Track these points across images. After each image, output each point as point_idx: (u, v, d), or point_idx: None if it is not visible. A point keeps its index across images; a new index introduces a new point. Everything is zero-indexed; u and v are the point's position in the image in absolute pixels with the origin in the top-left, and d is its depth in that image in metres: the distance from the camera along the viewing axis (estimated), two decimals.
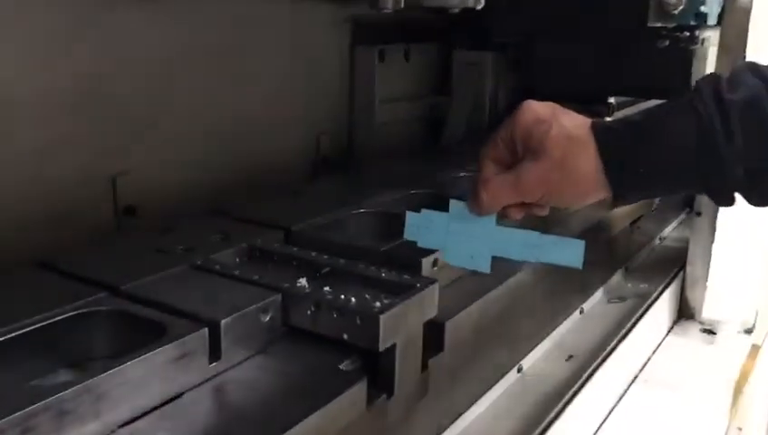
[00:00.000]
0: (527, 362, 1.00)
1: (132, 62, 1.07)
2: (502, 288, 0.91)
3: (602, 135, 0.66)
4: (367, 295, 0.72)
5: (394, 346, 0.70)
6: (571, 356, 1.04)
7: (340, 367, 0.69)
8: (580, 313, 1.17)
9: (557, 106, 0.69)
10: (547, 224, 1.10)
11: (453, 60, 1.64)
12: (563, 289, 1.13)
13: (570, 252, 0.69)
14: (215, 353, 0.65)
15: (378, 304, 0.70)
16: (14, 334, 0.62)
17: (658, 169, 0.65)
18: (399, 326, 0.70)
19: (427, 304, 0.74)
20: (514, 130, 0.69)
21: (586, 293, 1.21)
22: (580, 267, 0.70)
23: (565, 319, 1.12)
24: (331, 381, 0.67)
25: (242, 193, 1.18)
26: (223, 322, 0.65)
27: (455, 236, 0.73)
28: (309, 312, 0.71)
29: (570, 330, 1.12)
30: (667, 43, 1.39)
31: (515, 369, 0.98)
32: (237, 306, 0.68)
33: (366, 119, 1.52)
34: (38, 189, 0.99)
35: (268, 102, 1.33)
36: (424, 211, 0.74)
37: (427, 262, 0.83)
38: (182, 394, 0.63)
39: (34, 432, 0.51)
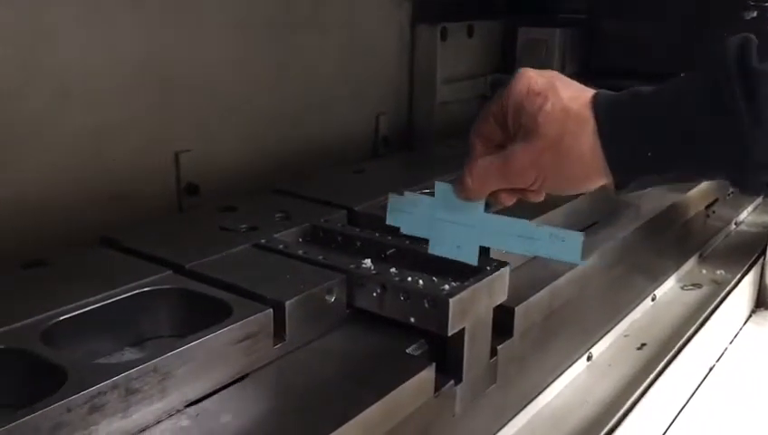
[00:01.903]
0: (597, 350, 0.96)
1: (194, 40, 1.07)
2: (572, 273, 0.87)
3: (604, 111, 0.56)
4: (434, 278, 0.70)
5: (463, 331, 0.67)
6: (643, 344, 1.00)
7: (407, 351, 0.67)
8: (653, 300, 1.12)
9: (557, 76, 0.59)
10: (613, 207, 1.06)
11: (517, 37, 1.59)
12: (635, 275, 1.08)
13: (567, 246, 0.61)
14: (279, 335, 0.64)
15: (446, 286, 0.67)
16: (79, 312, 0.61)
17: (668, 152, 0.55)
18: (469, 310, 0.67)
19: (497, 287, 0.71)
20: (506, 103, 0.59)
21: (658, 279, 1.16)
22: (579, 263, 0.63)
23: (636, 306, 1.07)
24: (398, 365, 0.64)
25: (302, 172, 1.17)
26: (288, 303, 0.64)
27: (440, 223, 0.65)
28: (374, 294, 0.69)
29: (641, 317, 1.07)
30: (755, 14, 1.29)
31: (585, 357, 0.94)
32: (302, 287, 0.66)
33: (426, 98, 1.49)
34: (103, 167, 0.99)
35: (328, 81, 1.31)
36: (407, 193, 0.67)
37: None
38: (246, 375, 0.61)
39: (102, 410, 0.50)
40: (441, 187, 0.65)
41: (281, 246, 0.76)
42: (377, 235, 0.79)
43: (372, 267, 0.71)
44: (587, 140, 0.56)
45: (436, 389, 0.66)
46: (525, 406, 0.83)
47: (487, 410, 0.76)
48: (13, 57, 0.86)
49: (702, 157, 0.54)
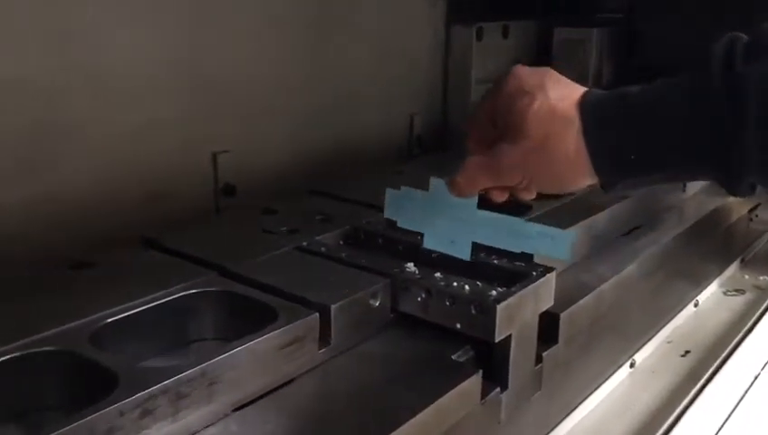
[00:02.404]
0: (640, 357, 0.94)
1: (231, 41, 1.07)
2: (616, 279, 0.85)
3: (589, 111, 0.55)
4: (478, 283, 0.69)
5: (509, 337, 0.66)
6: (687, 352, 0.98)
7: (453, 357, 0.66)
8: (695, 306, 1.10)
9: (550, 73, 0.58)
10: (655, 211, 1.04)
11: (553, 37, 1.57)
12: (677, 281, 1.06)
13: (556, 243, 0.62)
14: (324, 339, 0.63)
15: (493, 292, 0.66)
16: (126, 314, 0.61)
17: (652, 155, 0.54)
18: (515, 316, 0.66)
19: (543, 293, 0.69)
20: (496, 101, 0.59)
21: (701, 285, 1.13)
22: (569, 260, 0.62)
23: (679, 312, 1.05)
24: (445, 372, 0.63)
25: (336, 172, 1.17)
26: (333, 307, 0.63)
27: (435, 218, 0.66)
28: (419, 299, 0.68)
29: (684, 324, 1.04)
30: None
31: (628, 364, 0.92)
32: (347, 291, 0.66)
33: (461, 98, 1.47)
34: (142, 167, 0.99)
35: (363, 81, 1.30)
36: (404, 188, 0.68)
37: None
38: (292, 380, 0.61)
39: (153, 414, 0.50)
40: (436, 182, 0.66)
41: (323, 249, 0.76)
42: (419, 238, 0.78)
43: (416, 271, 0.71)
44: (572, 141, 0.56)
45: (483, 396, 0.65)
46: (569, 414, 0.81)
47: (530, 418, 0.75)
48: (55, 57, 0.87)
49: (686, 160, 0.54)
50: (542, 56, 1.59)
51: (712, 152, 0.52)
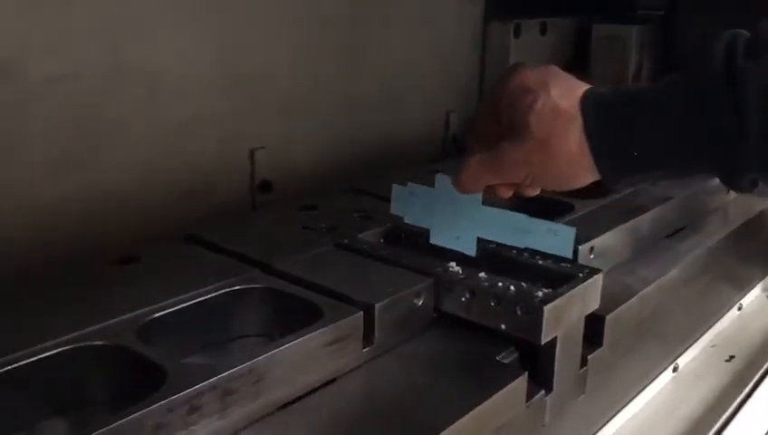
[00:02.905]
0: (683, 361, 0.92)
1: (269, 39, 1.06)
2: (660, 282, 0.83)
3: (591, 109, 0.55)
4: (523, 284, 0.68)
5: (555, 339, 0.65)
6: (731, 357, 0.96)
7: (497, 358, 0.65)
8: (739, 309, 1.07)
9: (553, 71, 0.59)
10: (700, 213, 1.02)
11: (592, 34, 1.54)
12: (721, 283, 1.03)
13: (559, 239, 0.64)
14: (368, 338, 0.63)
15: (539, 293, 0.65)
16: (172, 310, 0.61)
17: (654, 152, 0.55)
18: (562, 318, 0.65)
19: (590, 295, 0.68)
20: (500, 100, 0.60)
21: (744, 288, 1.11)
22: (570, 256, 0.64)
23: (723, 316, 1.03)
24: (490, 373, 0.63)
25: (370, 169, 1.16)
26: (377, 305, 0.62)
27: (441, 214, 0.68)
28: (463, 299, 0.67)
29: (728, 327, 1.02)
30: None
31: (671, 368, 0.90)
32: (390, 290, 0.65)
33: None
34: (183, 163, 0.99)
35: (399, 79, 1.30)
36: (410, 184, 0.70)
37: (584, 249, 0.77)
38: (336, 379, 0.60)
39: (201, 411, 0.50)
40: (441, 179, 0.67)
41: (365, 247, 0.75)
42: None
43: (460, 271, 0.70)
44: (575, 139, 0.56)
45: (527, 398, 0.64)
46: (611, 418, 0.80)
47: (572, 422, 0.74)
48: (104, 54, 0.87)
49: (687, 157, 0.54)
50: (580, 53, 1.57)
51: (712, 149, 0.52)
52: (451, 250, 0.75)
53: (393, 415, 0.58)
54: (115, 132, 0.91)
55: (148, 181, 0.95)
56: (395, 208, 0.72)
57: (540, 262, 0.71)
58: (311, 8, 1.11)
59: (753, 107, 0.50)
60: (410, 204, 0.70)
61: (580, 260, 0.76)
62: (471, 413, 0.57)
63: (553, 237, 0.64)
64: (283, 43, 1.09)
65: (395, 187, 0.71)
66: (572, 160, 0.57)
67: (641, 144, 0.55)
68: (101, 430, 0.45)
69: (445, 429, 0.55)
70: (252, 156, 1.09)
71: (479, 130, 0.63)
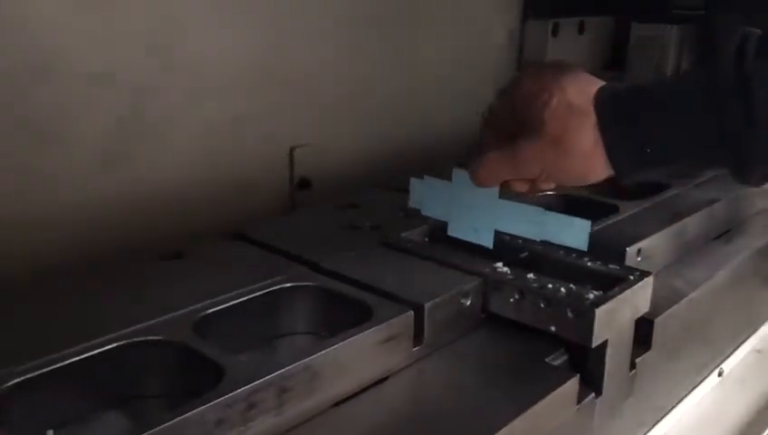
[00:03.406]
0: (728, 366, 0.91)
1: (308, 39, 1.07)
2: (707, 285, 0.82)
3: (604, 106, 0.57)
4: (572, 286, 0.67)
5: (605, 342, 0.64)
6: None
7: (547, 360, 0.65)
8: None
9: (564, 68, 0.60)
10: (747, 214, 1.01)
11: (630, 33, 1.53)
12: (765, 287, 1.02)
13: (574, 232, 0.64)
14: (418, 337, 0.63)
15: (590, 295, 0.64)
16: (224, 306, 0.62)
17: (666, 149, 0.56)
18: (613, 321, 0.64)
19: (640, 298, 0.67)
20: (514, 99, 0.61)
21: None
22: (585, 249, 0.64)
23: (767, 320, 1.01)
24: (540, 375, 0.62)
25: (408, 168, 1.16)
26: (427, 305, 0.62)
27: (458, 207, 0.69)
28: (512, 299, 0.67)
29: None
30: None
31: (716, 372, 0.89)
32: (438, 289, 0.65)
33: None
34: (226, 161, 1.01)
35: (436, 78, 1.30)
36: (427, 178, 0.71)
37: (631, 251, 0.77)
38: (387, 377, 0.61)
39: (258, 408, 0.50)
40: (458, 173, 0.68)
41: (409, 246, 0.75)
42: (506, 237, 0.77)
43: (508, 271, 0.69)
44: (589, 136, 0.57)
45: (578, 401, 0.63)
46: (658, 421, 0.79)
47: (620, 425, 0.73)
48: (153, 55, 0.88)
49: (699, 153, 0.56)
50: (617, 53, 1.55)
51: (724, 146, 0.54)
52: (495, 250, 0.75)
53: (445, 415, 0.57)
54: (161, 130, 0.92)
55: (194, 177, 0.97)
56: (413, 202, 0.73)
57: (588, 263, 0.70)
58: (352, 9, 1.12)
59: (762, 106, 0.51)
60: (427, 197, 0.72)
61: (627, 262, 0.75)
62: (523, 416, 0.57)
63: (569, 230, 0.64)
64: (325, 43, 1.10)
65: (412, 180, 0.72)
66: (586, 157, 0.58)
67: (655, 140, 0.56)
68: (164, 426, 0.45)
69: (497, 431, 0.55)
70: (291, 154, 1.10)
71: (496, 126, 0.64)
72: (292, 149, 1.10)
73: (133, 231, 0.90)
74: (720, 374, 0.90)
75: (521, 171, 0.62)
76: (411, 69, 1.24)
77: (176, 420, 0.46)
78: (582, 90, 0.58)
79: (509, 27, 1.42)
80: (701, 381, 0.86)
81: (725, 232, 0.95)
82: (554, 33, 1.43)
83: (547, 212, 0.65)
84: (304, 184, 1.13)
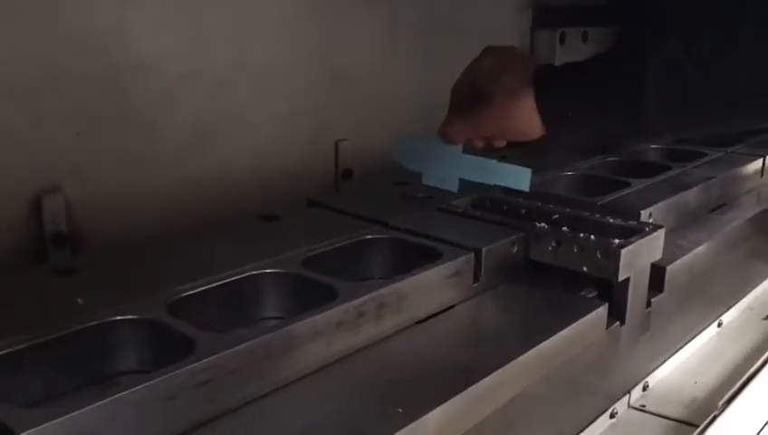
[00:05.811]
0: (726, 318, 1.05)
1: (354, 42, 1.22)
2: (709, 244, 0.97)
3: (540, 80, 0.77)
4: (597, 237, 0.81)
5: (628, 280, 0.79)
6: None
7: (581, 294, 0.79)
8: None
9: (516, 52, 0.85)
10: (735, 192, 1.15)
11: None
12: (756, 256, 1.16)
13: (517, 177, 0.85)
14: (476, 276, 0.77)
15: (615, 241, 0.79)
16: (322, 250, 0.76)
17: (586, 112, 0.78)
18: (634, 262, 0.78)
19: (655, 245, 0.82)
20: (475, 74, 0.82)
21: None
22: (527, 190, 0.85)
23: (760, 283, 1.16)
24: (577, 304, 0.77)
25: None
26: (485, 248, 0.77)
27: (432, 161, 0.88)
28: (550, 248, 0.81)
29: (764, 293, 1.15)
30: None
31: (716, 323, 1.04)
32: (493, 238, 0.79)
33: None
34: (284, 151, 1.15)
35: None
36: (407, 138, 0.90)
37: (645, 213, 0.91)
38: (453, 306, 0.75)
39: (365, 317, 0.64)
40: (431, 134, 0.87)
41: (460, 210, 0.90)
42: (539, 204, 0.91)
43: (545, 225, 0.84)
44: (529, 105, 0.78)
45: (607, 326, 0.78)
46: (666, 359, 0.93)
47: (638, 355, 0.87)
48: (226, 54, 1.03)
49: (603, 115, 0.81)
50: None
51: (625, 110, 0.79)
52: (530, 214, 0.89)
53: (499, 334, 0.72)
54: (235, 123, 1.06)
55: (258, 164, 1.11)
56: (396, 157, 0.91)
57: (611, 220, 0.85)
58: (394, 16, 1.27)
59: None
60: (408, 154, 0.90)
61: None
62: (562, 332, 0.71)
63: (513, 175, 0.85)
64: (367, 47, 1.24)
65: (396, 138, 0.91)
66: (527, 119, 0.78)
67: (574, 108, 0.78)
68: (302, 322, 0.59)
69: (541, 343, 0.69)
70: (336, 147, 1.25)
71: (461, 95, 0.84)
72: (337, 143, 1.24)
73: (206, 207, 1.03)
74: (719, 325, 1.04)
75: (479, 131, 0.83)
76: (440, 72, 1.38)
77: (289, 326, 0.60)
78: (526, 68, 0.79)
79: (522, 36, 1.58)
80: (704, 329, 1.01)
81: (721, 205, 1.10)
82: (561, 41, 1.58)
83: (499, 163, 0.85)
84: (347, 174, 1.27)
